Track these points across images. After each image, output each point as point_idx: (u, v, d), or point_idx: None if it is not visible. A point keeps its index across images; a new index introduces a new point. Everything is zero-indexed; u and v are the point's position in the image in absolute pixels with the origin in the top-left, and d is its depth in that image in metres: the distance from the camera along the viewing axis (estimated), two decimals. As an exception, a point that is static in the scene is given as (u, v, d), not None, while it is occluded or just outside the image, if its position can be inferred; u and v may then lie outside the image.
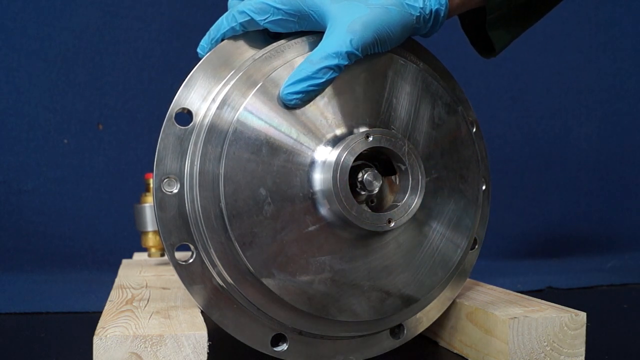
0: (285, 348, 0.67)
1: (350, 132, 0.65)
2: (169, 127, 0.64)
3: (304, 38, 0.67)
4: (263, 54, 0.66)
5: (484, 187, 0.77)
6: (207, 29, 0.68)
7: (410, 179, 0.67)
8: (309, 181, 0.64)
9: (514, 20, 0.75)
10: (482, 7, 0.74)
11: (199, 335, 0.59)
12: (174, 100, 0.64)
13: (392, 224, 0.65)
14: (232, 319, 0.65)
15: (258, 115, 0.62)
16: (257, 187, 0.62)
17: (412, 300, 0.70)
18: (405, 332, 0.74)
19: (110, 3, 1.44)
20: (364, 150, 0.64)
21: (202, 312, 0.66)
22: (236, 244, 0.62)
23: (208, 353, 0.59)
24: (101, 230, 1.42)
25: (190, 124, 0.64)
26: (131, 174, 1.43)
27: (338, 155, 0.63)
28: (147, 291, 0.79)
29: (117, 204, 1.43)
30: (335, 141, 0.65)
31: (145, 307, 0.69)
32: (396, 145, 0.66)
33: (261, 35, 0.68)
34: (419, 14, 0.66)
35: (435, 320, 0.77)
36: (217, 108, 0.63)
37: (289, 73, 0.64)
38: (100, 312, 0.67)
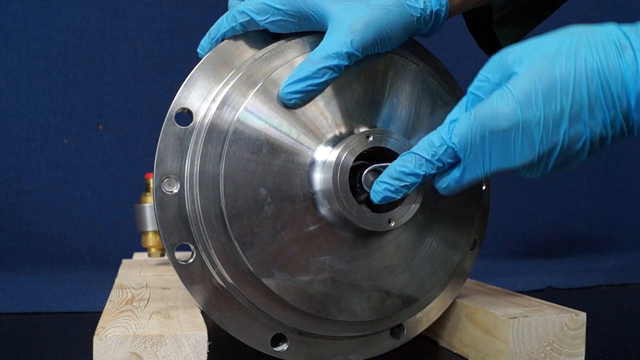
0: (285, 348, 0.67)
1: (350, 132, 0.65)
2: (169, 127, 0.64)
3: (304, 38, 0.67)
4: (263, 54, 0.66)
5: (484, 187, 0.77)
6: (207, 29, 0.68)
7: (410, 179, 0.67)
8: (309, 181, 0.64)
9: (521, 18, 0.75)
10: (486, 5, 0.74)
11: (199, 335, 0.59)
12: (174, 100, 0.64)
13: (392, 224, 0.65)
14: (232, 319, 0.65)
15: (258, 115, 0.63)
16: (257, 187, 0.62)
17: (412, 300, 0.70)
18: (405, 332, 0.74)
19: (110, 3, 1.44)
20: (364, 150, 0.64)
21: (202, 312, 0.66)
22: (236, 244, 0.62)
23: (208, 353, 0.59)
24: (101, 230, 1.42)
25: (191, 124, 0.64)
26: (131, 174, 1.43)
27: (338, 155, 0.63)
28: (147, 291, 0.79)
29: (117, 204, 1.42)
30: (335, 141, 0.65)
31: (145, 307, 0.69)
32: (396, 145, 0.66)
33: (261, 35, 0.68)
34: (419, 15, 0.66)
35: (435, 320, 0.77)
36: (217, 108, 0.63)
37: (289, 73, 0.64)
38: (100, 312, 0.67)
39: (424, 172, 0.61)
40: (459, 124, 0.59)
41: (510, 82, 0.56)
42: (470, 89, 0.60)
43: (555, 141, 0.56)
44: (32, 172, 1.40)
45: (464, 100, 0.61)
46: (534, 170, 0.58)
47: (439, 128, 0.61)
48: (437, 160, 0.60)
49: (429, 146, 0.60)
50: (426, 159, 0.60)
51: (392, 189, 0.62)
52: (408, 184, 0.61)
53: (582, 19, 1.72)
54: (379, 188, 0.62)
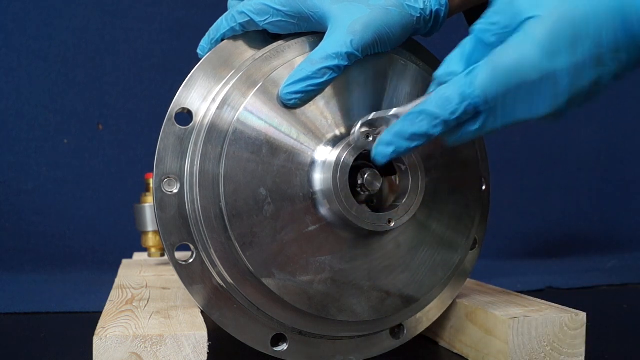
0: (285, 348, 0.67)
1: (350, 132, 0.65)
2: (169, 127, 0.64)
3: (303, 38, 0.67)
4: (263, 54, 0.66)
5: (484, 187, 0.77)
6: (207, 29, 0.68)
7: (410, 179, 0.67)
8: (309, 181, 0.64)
9: None
10: (487, 3, 0.74)
11: (199, 335, 0.59)
12: (174, 100, 0.64)
13: (392, 224, 0.65)
14: (232, 319, 0.65)
15: (258, 115, 0.63)
16: (257, 187, 0.62)
17: (412, 300, 0.70)
18: (405, 332, 0.74)
19: (110, 3, 1.44)
20: (364, 150, 0.64)
21: (202, 312, 0.66)
22: (236, 244, 0.62)
23: (208, 353, 0.59)
24: (101, 230, 1.42)
25: (191, 124, 0.64)
26: (131, 174, 1.43)
27: (338, 155, 0.63)
28: (147, 291, 0.79)
29: (117, 204, 1.42)
30: (335, 141, 0.65)
31: (145, 307, 0.69)
32: (396, 145, 0.66)
33: (261, 35, 0.68)
34: (419, 15, 0.66)
35: (435, 320, 0.77)
36: (217, 108, 0.63)
37: (289, 73, 0.64)
38: (100, 312, 0.67)
39: (438, 132, 0.55)
40: (480, 76, 0.53)
41: (530, 27, 0.51)
42: (475, 32, 0.55)
43: (580, 87, 0.52)
44: (32, 172, 1.40)
45: (467, 44, 0.56)
46: (553, 118, 0.55)
47: (454, 80, 0.54)
48: (456, 118, 0.54)
49: (445, 103, 0.54)
50: (443, 119, 0.54)
51: (402, 150, 0.57)
52: (419, 144, 0.56)
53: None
54: (387, 150, 0.57)
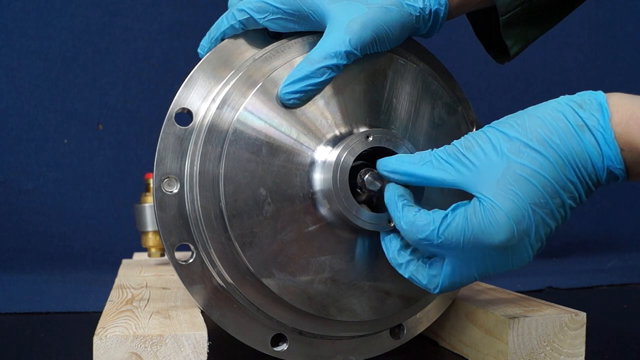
0: (285, 348, 0.67)
1: (350, 132, 0.65)
2: (169, 127, 0.64)
3: (304, 38, 0.67)
4: (263, 54, 0.66)
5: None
6: (207, 29, 0.68)
7: (410, 179, 0.67)
8: (309, 181, 0.64)
9: (529, 22, 0.74)
10: (491, 7, 0.73)
11: (199, 335, 0.59)
12: (174, 100, 0.64)
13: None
14: (232, 319, 0.65)
15: (258, 115, 0.63)
16: (257, 187, 0.62)
17: (412, 300, 0.70)
18: (405, 332, 0.74)
19: (110, 3, 1.44)
20: (364, 150, 0.64)
21: (202, 312, 0.66)
22: (236, 244, 0.62)
23: (208, 353, 0.59)
24: (101, 230, 1.42)
25: (191, 124, 0.64)
26: (131, 174, 1.43)
27: (338, 155, 0.63)
28: (147, 291, 0.79)
29: (117, 204, 1.42)
30: (335, 141, 0.65)
31: (145, 307, 0.69)
32: (396, 145, 0.66)
33: (261, 35, 0.68)
34: (418, 14, 0.66)
35: (435, 320, 0.77)
36: (217, 108, 0.63)
37: (289, 73, 0.64)
38: (100, 312, 0.67)
39: None
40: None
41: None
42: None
43: (541, 237, 0.57)
44: (32, 172, 1.40)
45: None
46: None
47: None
48: None
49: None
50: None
51: None
52: None
53: (582, 19, 1.72)
54: None
